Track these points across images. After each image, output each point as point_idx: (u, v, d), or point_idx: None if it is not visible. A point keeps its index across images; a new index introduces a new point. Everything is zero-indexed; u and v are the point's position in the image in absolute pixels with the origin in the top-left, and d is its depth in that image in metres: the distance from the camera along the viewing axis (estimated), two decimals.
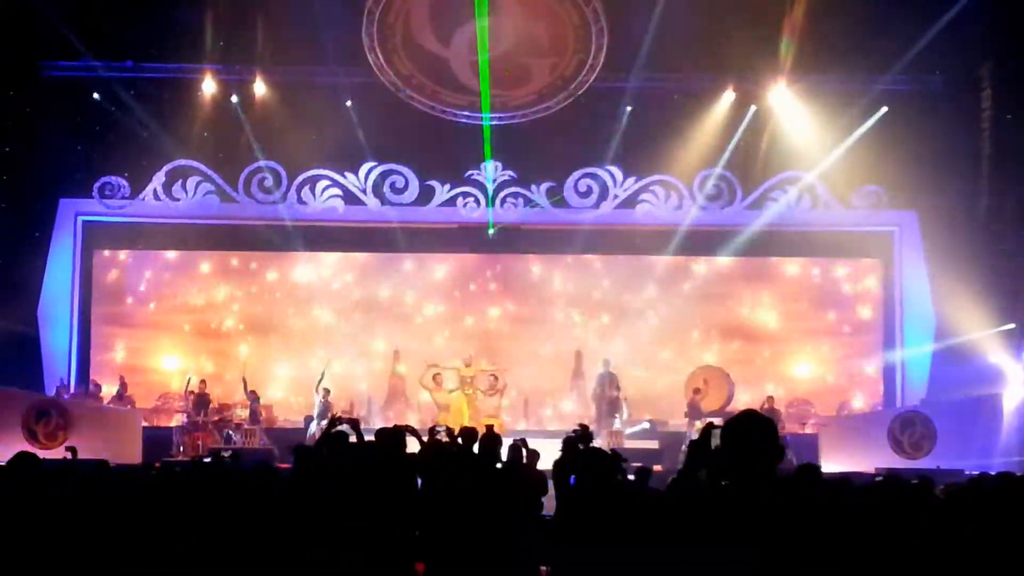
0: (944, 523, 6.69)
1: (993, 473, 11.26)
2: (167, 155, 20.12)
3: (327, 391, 19.53)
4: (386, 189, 20.37)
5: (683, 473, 4.81)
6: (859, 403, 21.27)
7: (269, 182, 20.30)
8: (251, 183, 20.33)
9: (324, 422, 19.09)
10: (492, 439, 9.28)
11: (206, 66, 20.08)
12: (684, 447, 18.41)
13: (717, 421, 4.54)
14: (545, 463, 9.88)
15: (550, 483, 9.25)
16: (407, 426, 9.96)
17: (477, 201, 20.49)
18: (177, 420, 19.64)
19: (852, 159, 20.19)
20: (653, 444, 19.22)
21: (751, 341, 21.60)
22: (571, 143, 20.32)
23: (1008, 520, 7.05)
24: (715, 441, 4.23)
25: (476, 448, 9.05)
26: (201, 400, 19.38)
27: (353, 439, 9.09)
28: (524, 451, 9.64)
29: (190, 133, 20.17)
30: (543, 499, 9.08)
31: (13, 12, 18.79)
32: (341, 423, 9.42)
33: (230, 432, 19.39)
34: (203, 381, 19.67)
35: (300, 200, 20.37)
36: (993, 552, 6.35)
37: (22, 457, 8.34)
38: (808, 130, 20.33)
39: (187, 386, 19.52)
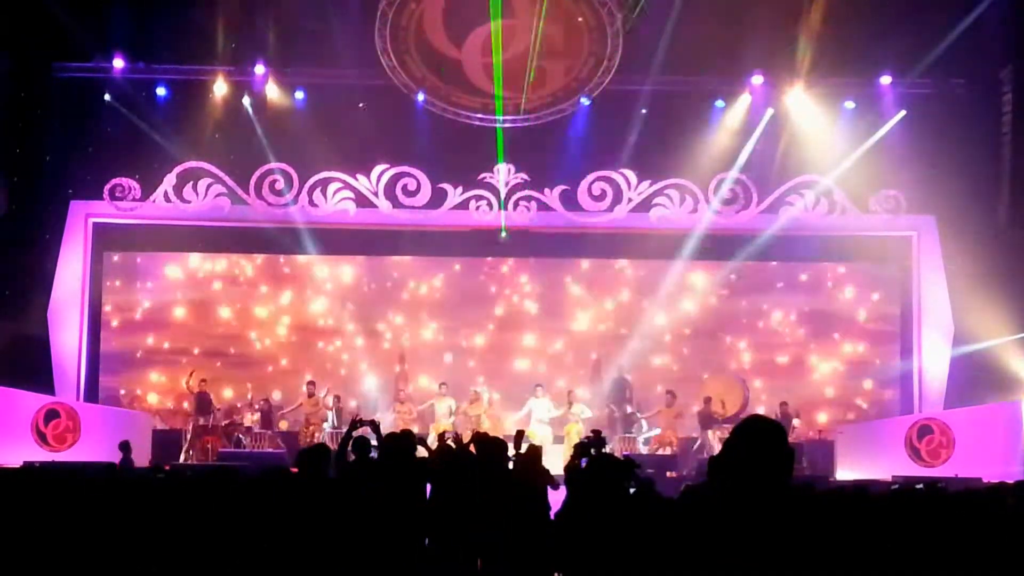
0: (956, 531, 6.55)
1: (1011, 482, 11.10)
2: (178, 157, 19.99)
3: (337, 397, 19.56)
4: (398, 192, 20.23)
5: (704, 488, 4.65)
6: (876, 410, 21.06)
7: (280, 184, 20.17)
8: (262, 185, 20.20)
9: (328, 426, 19.12)
10: (500, 445, 9.15)
11: (217, 68, 19.98)
12: (702, 456, 18.33)
13: None
14: (557, 468, 9.72)
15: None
16: (418, 435, 9.85)
17: (490, 204, 20.34)
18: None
19: (870, 163, 20.01)
20: (667, 450, 19.10)
21: (766, 346, 21.43)
22: (585, 146, 20.16)
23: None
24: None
25: (485, 454, 8.91)
26: (201, 400, 19.27)
27: (373, 441, 9.01)
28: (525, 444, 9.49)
29: (201, 135, 20.07)
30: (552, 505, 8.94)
31: (25, 13, 18.75)
32: (362, 425, 9.34)
33: (240, 436, 19.30)
34: (204, 380, 19.56)
35: (311, 203, 20.23)
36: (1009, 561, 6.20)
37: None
38: (825, 134, 20.16)
39: (188, 381, 19.43)
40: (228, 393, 20.70)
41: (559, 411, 19.39)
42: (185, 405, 20.02)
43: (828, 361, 21.38)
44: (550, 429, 19.18)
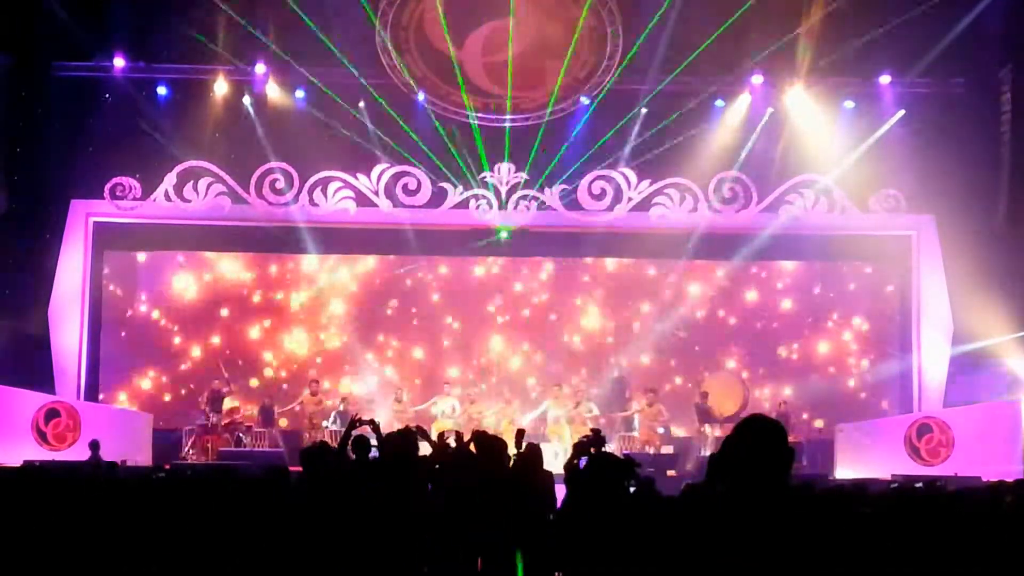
0: (956, 531, 6.56)
1: (1010, 481, 11.12)
2: (178, 156, 19.99)
3: (343, 398, 19.63)
4: (398, 191, 20.24)
5: (703, 486, 4.67)
6: (875, 408, 21.06)
7: (281, 183, 20.16)
8: (263, 184, 20.19)
9: (330, 424, 19.14)
10: (500, 444, 9.16)
11: (218, 67, 19.98)
12: (702, 453, 18.37)
13: None
14: (557, 467, 9.74)
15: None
16: (417, 427, 9.84)
17: (490, 203, 20.36)
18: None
19: (869, 162, 20.01)
20: (667, 448, 19.12)
21: (766, 345, 21.44)
22: (585, 145, 20.17)
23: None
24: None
25: (485, 453, 8.91)
26: (215, 396, 19.32)
27: (373, 441, 9.00)
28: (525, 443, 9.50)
29: (201, 134, 20.07)
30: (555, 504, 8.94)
31: (26, 12, 18.75)
32: (361, 424, 9.33)
33: (240, 435, 19.32)
34: (217, 380, 19.66)
35: (312, 202, 20.23)
36: (1009, 559, 6.22)
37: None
38: (825, 133, 20.16)
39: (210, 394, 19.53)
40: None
41: (564, 409, 19.39)
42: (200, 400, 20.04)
43: (827, 359, 21.39)
44: (568, 429, 19.13)
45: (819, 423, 20.74)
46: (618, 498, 6.52)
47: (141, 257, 21.32)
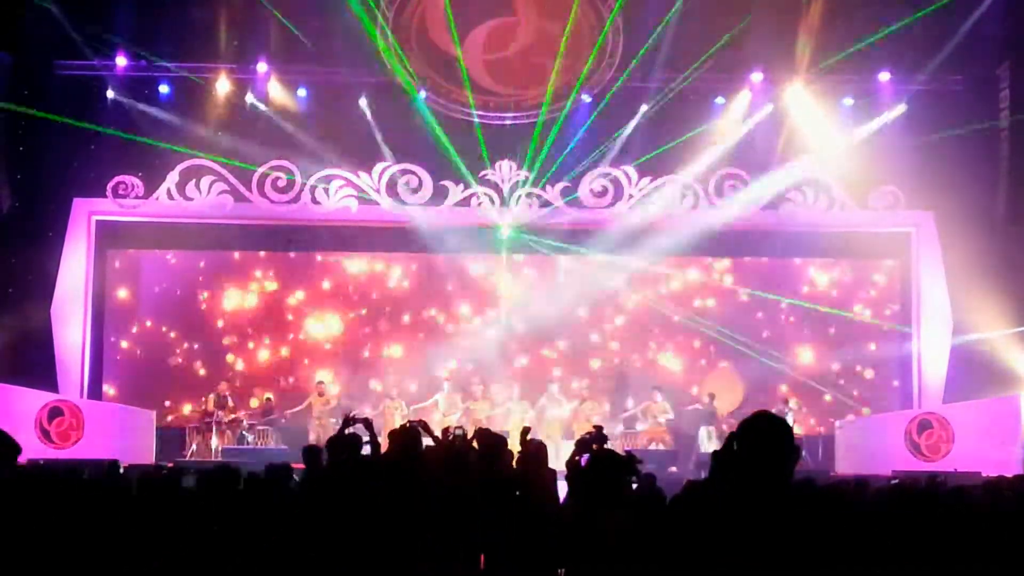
0: (955, 526, 6.60)
1: (1010, 476, 11.16)
2: (181, 154, 20.06)
3: (319, 383, 19.71)
4: (400, 189, 20.29)
5: (706, 483, 4.71)
6: (876, 404, 21.09)
7: (283, 182, 20.22)
8: (265, 183, 20.26)
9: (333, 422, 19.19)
10: (503, 441, 9.19)
11: (220, 65, 20.05)
12: (702, 452, 18.42)
13: None
14: (559, 464, 9.78)
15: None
16: (420, 421, 9.88)
17: (492, 201, 20.39)
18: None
19: (869, 159, 20.03)
20: (671, 445, 19.16)
21: (766, 342, 21.43)
22: (586, 143, 20.21)
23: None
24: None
25: (488, 449, 8.94)
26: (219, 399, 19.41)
27: (365, 438, 9.02)
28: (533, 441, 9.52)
29: (204, 132, 20.11)
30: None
31: (27, 11, 18.78)
32: (355, 423, 9.33)
33: (244, 432, 19.37)
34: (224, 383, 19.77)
35: (314, 200, 20.29)
36: (1008, 554, 6.26)
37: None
38: (825, 130, 20.18)
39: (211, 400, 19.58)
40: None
41: (567, 408, 19.43)
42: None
43: (827, 356, 21.39)
44: (561, 426, 19.16)
45: (822, 412, 20.80)
46: (620, 495, 6.55)
47: (143, 256, 21.32)
